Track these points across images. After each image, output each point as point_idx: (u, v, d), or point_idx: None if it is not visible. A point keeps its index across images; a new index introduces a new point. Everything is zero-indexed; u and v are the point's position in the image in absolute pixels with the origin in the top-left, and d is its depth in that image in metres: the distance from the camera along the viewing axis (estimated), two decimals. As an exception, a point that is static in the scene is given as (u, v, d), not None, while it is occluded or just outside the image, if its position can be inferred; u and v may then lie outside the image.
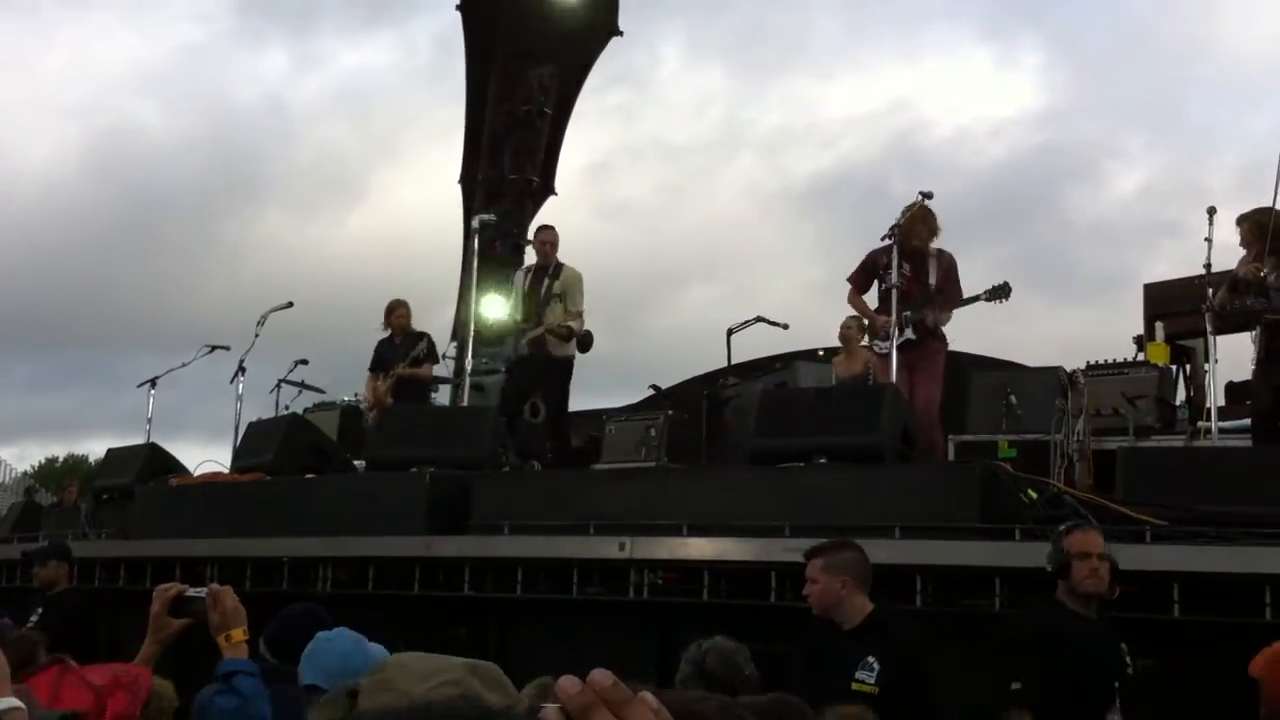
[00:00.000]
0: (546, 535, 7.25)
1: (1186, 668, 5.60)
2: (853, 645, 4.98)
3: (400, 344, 10.97)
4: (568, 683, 0.86)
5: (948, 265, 8.81)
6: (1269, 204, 7.68)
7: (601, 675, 0.87)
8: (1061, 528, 5.22)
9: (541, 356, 9.74)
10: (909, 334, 8.60)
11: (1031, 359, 9.85)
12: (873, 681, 4.83)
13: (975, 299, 8.66)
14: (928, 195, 8.79)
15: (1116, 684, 4.89)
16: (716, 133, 38.78)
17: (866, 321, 9.07)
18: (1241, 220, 7.94)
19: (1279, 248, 7.56)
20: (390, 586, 7.62)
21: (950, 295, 8.71)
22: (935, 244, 8.84)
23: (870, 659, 4.88)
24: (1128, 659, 4.99)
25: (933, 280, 8.68)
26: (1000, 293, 8.59)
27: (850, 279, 9.01)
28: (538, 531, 7.35)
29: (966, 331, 9.01)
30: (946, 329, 8.88)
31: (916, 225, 8.72)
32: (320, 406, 12.75)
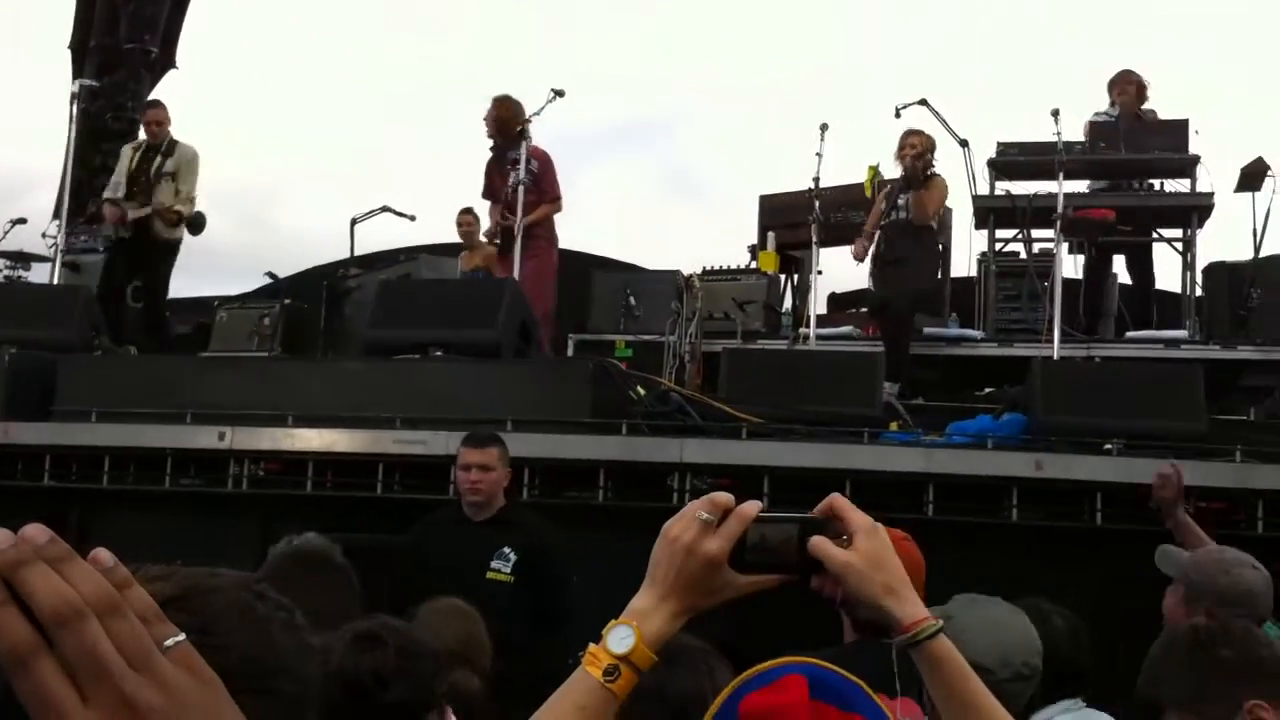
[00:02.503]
0: (138, 423, 6.80)
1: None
2: (487, 536, 5.13)
3: None
4: None
5: (538, 164, 8.75)
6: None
7: (35, 529, 0.78)
8: None
9: (145, 238, 9.08)
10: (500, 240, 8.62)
11: (667, 265, 10.00)
12: (508, 571, 5.04)
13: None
14: (559, 94, 8.73)
15: None
16: (366, 16, 37.14)
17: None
18: (916, 132, 8.66)
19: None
20: (-41, 475, 6.96)
21: (541, 194, 8.72)
22: (532, 143, 8.76)
23: (506, 549, 5.07)
24: None
25: (525, 178, 8.52)
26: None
27: (483, 196, 9.23)
28: (130, 419, 6.88)
29: (602, 234, 9.11)
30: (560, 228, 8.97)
31: (499, 125, 8.77)
32: (-110, 281, 11.46)
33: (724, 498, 1.51)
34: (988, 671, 2.72)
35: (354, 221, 10.93)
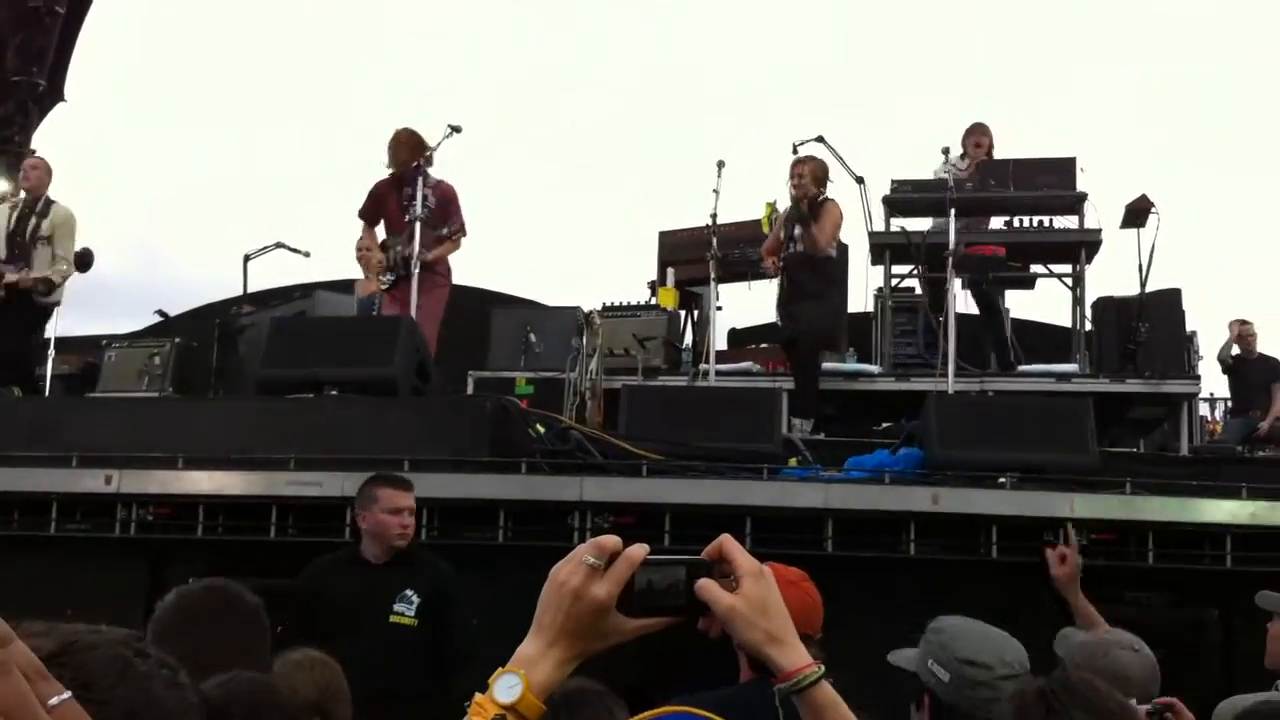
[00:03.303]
0: (22, 467, 6.58)
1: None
2: (389, 579, 5.10)
3: None
4: None
5: (441, 197, 8.63)
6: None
7: None
8: None
9: (19, 301, 8.86)
10: (399, 271, 8.48)
11: (567, 300, 9.95)
12: (412, 614, 5.03)
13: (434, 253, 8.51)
14: (456, 129, 8.67)
15: None
16: (259, 49, 36.70)
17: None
18: (805, 160, 8.59)
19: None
20: None
21: (450, 228, 8.63)
22: (435, 174, 8.67)
23: (409, 592, 5.05)
24: None
25: (421, 212, 8.36)
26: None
27: (360, 213, 8.91)
28: (13, 463, 6.66)
29: (501, 268, 9.05)
30: (456, 263, 8.83)
31: (395, 152, 8.60)
32: None
33: (611, 541, 1.49)
34: (987, 668, 2.92)
35: (247, 258, 10.77)
